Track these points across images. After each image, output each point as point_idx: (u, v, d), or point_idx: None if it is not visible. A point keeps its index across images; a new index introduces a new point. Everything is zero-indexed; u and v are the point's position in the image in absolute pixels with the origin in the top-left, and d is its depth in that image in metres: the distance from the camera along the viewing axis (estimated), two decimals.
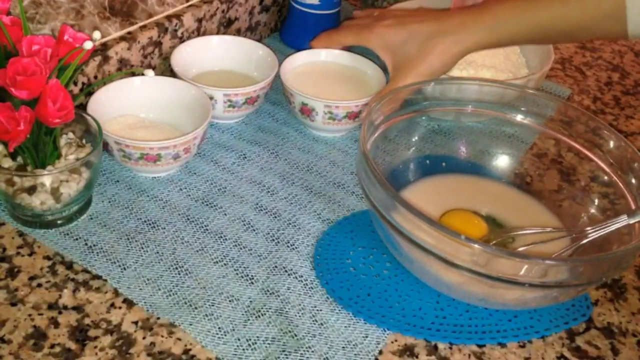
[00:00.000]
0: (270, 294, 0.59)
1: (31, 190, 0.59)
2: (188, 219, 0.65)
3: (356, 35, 0.78)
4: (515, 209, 0.69)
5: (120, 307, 0.56)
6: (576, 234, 0.63)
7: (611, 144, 0.66)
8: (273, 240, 0.65)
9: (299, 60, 0.82)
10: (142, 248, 0.62)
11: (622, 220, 0.59)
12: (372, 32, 0.75)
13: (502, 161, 0.74)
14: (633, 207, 0.62)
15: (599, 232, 0.60)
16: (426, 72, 0.71)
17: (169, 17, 0.80)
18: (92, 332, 0.54)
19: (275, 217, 0.67)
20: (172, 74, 0.76)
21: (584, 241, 0.60)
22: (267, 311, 0.58)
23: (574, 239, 0.62)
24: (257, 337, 0.55)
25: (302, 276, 0.61)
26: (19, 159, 0.61)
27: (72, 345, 0.53)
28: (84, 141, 0.65)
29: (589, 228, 0.61)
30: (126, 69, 0.75)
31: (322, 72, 0.83)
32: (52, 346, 0.53)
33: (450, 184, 0.72)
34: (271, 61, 0.80)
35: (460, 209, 0.67)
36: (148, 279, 0.59)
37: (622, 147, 0.65)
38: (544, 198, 0.71)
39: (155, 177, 0.70)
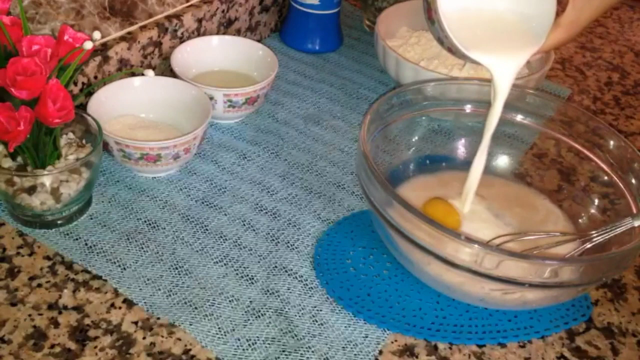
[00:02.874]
0: (270, 294, 0.59)
1: (31, 190, 0.59)
2: (188, 219, 0.65)
3: None
4: (519, 205, 0.69)
5: (120, 307, 0.56)
6: (581, 238, 0.62)
7: (611, 144, 0.66)
8: (273, 240, 0.65)
9: None
10: (142, 248, 0.62)
11: (627, 224, 0.59)
12: None
13: (502, 161, 0.74)
14: (633, 206, 0.62)
15: (604, 236, 0.60)
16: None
17: (169, 17, 0.80)
18: (92, 332, 0.54)
19: (275, 217, 0.67)
20: (172, 74, 0.76)
21: (589, 245, 0.60)
22: (267, 311, 0.58)
23: (579, 243, 0.62)
24: (257, 337, 0.55)
25: (302, 276, 0.61)
26: (19, 159, 0.61)
27: (72, 346, 0.53)
28: (84, 141, 0.65)
29: (593, 232, 0.61)
30: (126, 69, 0.75)
31: None
32: (52, 346, 0.53)
33: (449, 178, 0.71)
34: (271, 61, 0.80)
35: (438, 199, 0.66)
36: (148, 279, 0.59)
37: (622, 147, 0.65)
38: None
39: (155, 177, 0.70)
